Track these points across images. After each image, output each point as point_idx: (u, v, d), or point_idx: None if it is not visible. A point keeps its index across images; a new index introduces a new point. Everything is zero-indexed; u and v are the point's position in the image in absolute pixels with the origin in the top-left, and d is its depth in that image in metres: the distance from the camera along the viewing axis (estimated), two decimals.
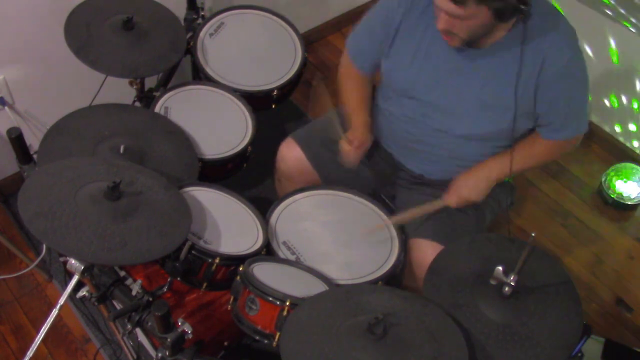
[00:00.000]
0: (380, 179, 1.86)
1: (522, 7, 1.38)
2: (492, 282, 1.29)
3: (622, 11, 2.35)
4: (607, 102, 2.60)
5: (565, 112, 1.56)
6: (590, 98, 1.63)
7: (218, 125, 1.85)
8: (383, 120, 1.77)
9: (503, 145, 1.65)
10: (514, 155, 1.62)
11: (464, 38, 1.44)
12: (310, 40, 2.91)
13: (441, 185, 1.72)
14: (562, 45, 1.47)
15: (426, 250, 1.61)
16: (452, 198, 1.65)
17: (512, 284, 1.26)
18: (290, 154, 1.83)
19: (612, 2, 2.35)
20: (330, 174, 1.81)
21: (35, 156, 1.58)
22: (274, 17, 2.08)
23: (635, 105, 2.52)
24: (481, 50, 1.50)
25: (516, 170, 1.64)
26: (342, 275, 1.56)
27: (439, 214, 1.68)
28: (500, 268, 1.27)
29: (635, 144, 2.61)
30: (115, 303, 1.63)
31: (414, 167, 1.78)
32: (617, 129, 2.64)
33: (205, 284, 1.53)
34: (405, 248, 1.66)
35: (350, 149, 1.70)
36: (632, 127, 2.58)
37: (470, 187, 1.64)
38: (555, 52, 1.46)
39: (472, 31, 1.42)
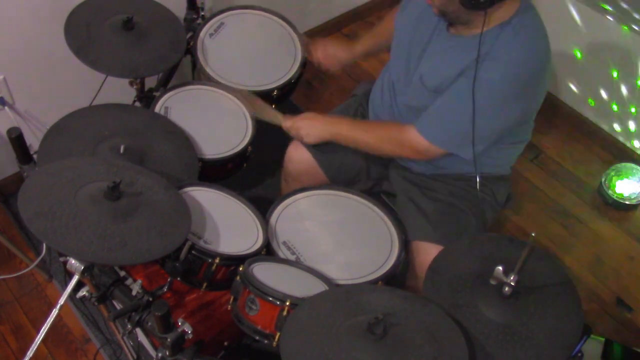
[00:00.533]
0: (378, 173, 1.87)
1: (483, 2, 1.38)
2: (492, 282, 1.29)
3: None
4: (607, 102, 2.61)
5: (439, 103, 1.54)
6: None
7: (218, 125, 1.85)
8: (374, 105, 1.82)
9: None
10: (360, 125, 1.73)
11: (438, 7, 1.47)
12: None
13: (435, 179, 1.73)
14: (501, 64, 1.44)
15: (431, 253, 1.61)
16: (289, 122, 1.76)
17: (512, 284, 1.26)
18: (298, 156, 1.84)
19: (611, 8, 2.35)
20: (337, 176, 1.83)
21: (35, 156, 1.57)
22: (274, 17, 2.08)
23: (633, 110, 2.52)
24: (453, 36, 1.54)
25: (355, 140, 1.70)
26: (342, 275, 1.56)
27: (441, 215, 1.68)
28: (500, 268, 1.27)
29: (636, 144, 2.62)
30: (115, 303, 1.63)
31: (398, 158, 1.81)
32: (617, 129, 2.64)
33: (205, 284, 1.53)
34: (405, 248, 1.65)
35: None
36: (632, 127, 2.58)
37: (309, 125, 1.73)
38: (489, 64, 1.44)
39: (442, 5, 1.46)
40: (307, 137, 1.74)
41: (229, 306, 1.48)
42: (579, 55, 2.57)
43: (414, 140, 1.60)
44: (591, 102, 2.66)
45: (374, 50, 1.95)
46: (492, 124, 1.53)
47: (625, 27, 2.36)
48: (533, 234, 1.22)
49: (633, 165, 2.52)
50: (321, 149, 1.82)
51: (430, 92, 1.58)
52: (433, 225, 1.67)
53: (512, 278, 1.26)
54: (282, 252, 1.60)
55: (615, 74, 2.50)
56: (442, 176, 1.76)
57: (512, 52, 1.44)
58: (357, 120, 1.74)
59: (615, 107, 2.59)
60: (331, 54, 1.92)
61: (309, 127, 1.73)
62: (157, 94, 1.87)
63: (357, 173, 1.84)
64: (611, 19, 2.38)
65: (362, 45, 1.93)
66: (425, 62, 1.59)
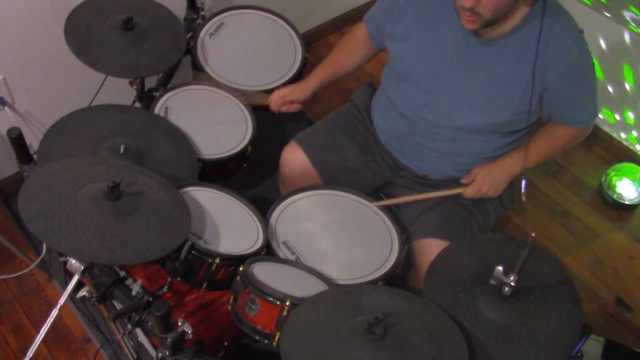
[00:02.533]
0: (381, 181, 1.86)
1: None
2: (492, 282, 1.29)
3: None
4: (607, 102, 2.60)
5: (578, 104, 1.59)
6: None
7: (218, 125, 1.85)
8: (384, 113, 1.79)
9: (505, 141, 1.67)
10: (531, 149, 1.66)
11: (487, 18, 1.43)
12: (310, 40, 2.91)
13: (444, 186, 1.72)
14: (569, 42, 1.49)
15: (436, 251, 1.61)
16: (470, 191, 1.68)
17: (512, 284, 1.26)
18: (294, 158, 1.83)
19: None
20: (333, 178, 1.82)
21: (35, 156, 1.57)
22: (274, 17, 2.08)
23: (632, 111, 2.52)
24: (488, 40, 1.52)
25: (534, 164, 1.69)
26: (342, 275, 1.56)
27: (445, 214, 1.69)
28: (500, 268, 1.27)
29: (635, 144, 2.62)
30: (115, 303, 1.63)
31: (416, 167, 1.78)
32: (617, 129, 2.64)
33: (205, 284, 1.53)
34: (404, 247, 1.65)
35: (278, 97, 1.85)
36: (632, 127, 2.58)
37: (490, 183, 1.67)
38: (563, 51, 1.48)
39: (497, 10, 1.42)
40: (496, 193, 1.71)
41: (229, 306, 1.48)
42: None
43: (591, 127, 1.69)
44: None
45: (330, 80, 1.90)
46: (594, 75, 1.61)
47: (635, 29, 2.36)
48: (533, 234, 1.22)
49: (633, 165, 2.52)
50: (318, 151, 1.82)
51: (506, 101, 1.55)
52: (438, 222, 1.67)
53: (512, 278, 1.26)
54: (282, 252, 1.60)
55: (616, 74, 2.50)
56: (454, 178, 1.76)
57: (559, 33, 1.48)
58: (521, 149, 1.68)
59: (615, 107, 2.59)
60: (289, 100, 1.88)
61: (494, 188, 1.70)
62: (157, 94, 1.87)
63: (354, 178, 1.83)
64: (608, 15, 2.38)
65: (315, 82, 1.87)
66: (482, 77, 1.55)
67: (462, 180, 1.72)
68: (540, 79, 1.51)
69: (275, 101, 1.87)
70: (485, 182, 1.67)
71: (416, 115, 1.68)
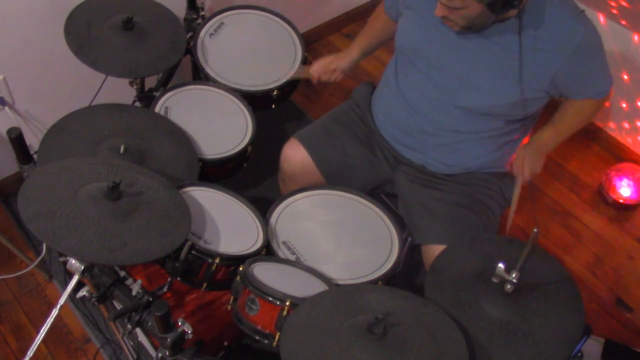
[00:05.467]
0: (382, 177, 1.86)
1: (515, 1, 1.42)
2: (494, 279, 1.29)
3: None
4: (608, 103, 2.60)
5: (595, 77, 1.63)
6: None
7: (218, 125, 1.85)
8: (387, 104, 1.80)
9: (506, 131, 1.69)
10: (562, 125, 1.72)
11: (463, 25, 1.49)
12: (310, 40, 2.91)
13: (443, 180, 1.72)
14: (570, 23, 1.50)
15: None
16: (525, 176, 1.70)
17: (515, 281, 1.26)
18: (294, 155, 1.83)
19: None
20: (334, 174, 1.82)
21: (35, 156, 1.58)
22: (274, 17, 2.08)
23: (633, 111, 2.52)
24: (494, 25, 1.53)
25: (564, 137, 1.75)
26: (342, 275, 1.56)
27: (453, 219, 1.68)
28: (502, 265, 1.27)
29: (636, 144, 2.62)
30: (115, 303, 1.63)
31: (416, 158, 1.78)
32: (617, 129, 2.64)
33: (205, 284, 1.53)
34: (404, 247, 1.66)
35: (319, 66, 1.89)
36: (632, 127, 2.58)
37: (535, 161, 1.70)
38: (566, 34, 1.50)
39: (469, 20, 1.48)
40: (540, 169, 1.73)
41: (229, 306, 1.48)
42: None
43: (606, 98, 1.71)
44: None
45: (370, 50, 1.95)
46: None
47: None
48: (535, 230, 1.22)
49: (633, 165, 2.52)
50: (318, 148, 1.82)
51: (513, 79, 1.57)
52: (444, 228, 1.66)
53: (514, 275, 1.26)
54: (282, 252, 1.60)
55: (616, 74, 2.50)
56: (452, 175, 1.76)
57: (560, 15, 1.50)
58: (549, 125, 1.74)
59: (615, 107, 2.59)
60: (332, 69, 1.92)
61: (539, 165, 1.72)
62: (157, 94, 1.87)
63: (354, 174, 1.84)
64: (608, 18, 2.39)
65: (357, 51, 1.93)
66: (487, 56, 1.57)
67: (509, 167, 1.77)
68: (542, 66, 1.53)
69: (316, 70, 1.91)
70: (531, 162, 1.69)
71: (421, 99, 1.69)
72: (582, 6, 1.56)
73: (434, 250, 1.64)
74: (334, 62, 1.92)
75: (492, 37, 1.54)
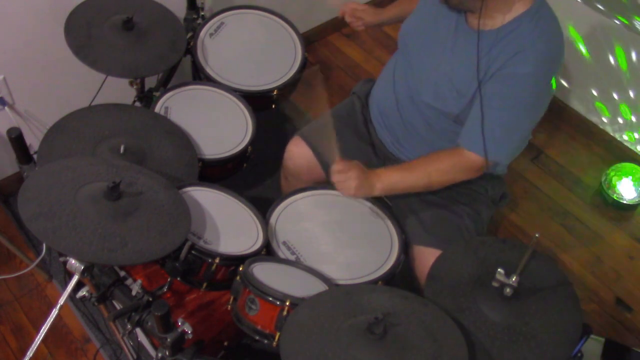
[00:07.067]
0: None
1: None
2: (495, 284, 1.29)
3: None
4: (607, 102, 2.61)
5: (489, 118, 1.47)
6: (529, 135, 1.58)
7: (218, 125, 1.85)
8: (378, 91, 1.82)
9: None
10: (410, 169, 1.57)
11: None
12: (310, 40, 2.91)
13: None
14: (532, 59, 1.42)
15: (428, 257, 1.61)
16: (335, 178, 1.53)
17: (515, 285, 1.27)
18: (299, 152, 1.84)
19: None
20: None
21: (35, 156, 1.58)
22: (274, 17, 2.08)
23: (632, 111, 2.52)
24: (473, 32, 1.50)
25: (410, 185, 1.57)
26: (342, 275, 1.56)
27: (437, 221, 1.68)
28: (501, 270, 1.27)
29: (636, 144, 2.62)
30: (115, 303, 1.63)
31: (398, 152, 1.78)
32: (617, 128, 2.64)
33: (205, 284, 1.53)
34: (405, 248, 1.66)
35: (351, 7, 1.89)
36: (632, 126, 2.58)
37: (353, 184, 1.50)
38: (521, 59, 1.42)
39: None
40: (357, 190, 1.51)
41: (229, 306, 1.48)
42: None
43: (482, 169, 1.54)
44: (597, 104, 2.66)
45: (398, 19, 1.90)
46: (534, 119, 1.52)
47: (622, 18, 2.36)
48: (537, 235, 1.22)
49: (633, 165, 2.52)
50: (321, 146, 1.82)
51: (458, 93, 1.53)
52: (429, 231, 1.67)
53: (513, 279, 1.26)
54: (282, 252, 1.60)
55: (616, 75, 2.50)
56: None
57: (536, 42, 1.43)
58: (403, 166, 1.61)
59: (615, 107, 2.59)
60: (359, 16, 1.92)
61: (361, 180, 1.52)
62: (157, 94, 1.87)
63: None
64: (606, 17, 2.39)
65: (388, 14, 1.93)
66: (454, 61, 1.55)
67: (333, 168, 1.54)
68: (486, 79, 1.47)
69: (345, 10, 1.93)
70: (353, 178, 1.50)
71: (401, 87, 1.70)
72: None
73: (419, 251, 1.66)
74: (364, 11, 1.91)
75: (465, 46, 1.52)
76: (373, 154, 1.84)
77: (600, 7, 2.40)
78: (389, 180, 1.55)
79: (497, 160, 1.54)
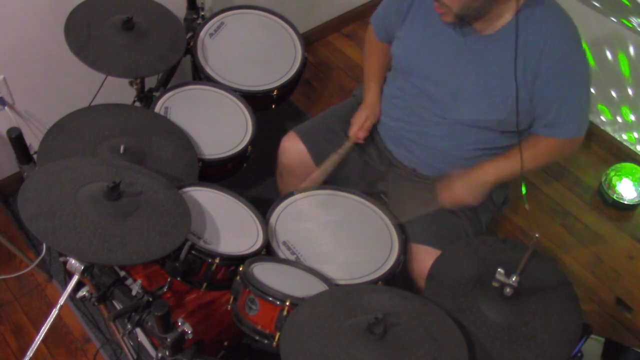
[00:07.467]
0: (374, 175, 1.86)
1: None
2: (495, 284, 1.29)
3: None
4: (607, 102, 2.60)
5: (559, 107, 1.53)
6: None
7: (218, 125, 1.85)
8: (384, 105, 1.79)
9: (500, 144, 1.65)
10: (511, 157, 1.60)
11: (457, 12, 1.44)
12: (310, 40, 2.91)
13: (432, 184, 1.72)
14: (561, 37, 1.47)
15: (425, 256, 1.61)
16: (446, 201, 1.64)
17: (515, 285, 1.26)
18: (292, 147, 1.84)
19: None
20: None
21: (35, 156, 1.58)
22: (274, 17, 2.08)
23: (632, 111, 2.52)
24: (486, 36, 1.51)
25: (513, 172, 1.62)
26: (342, 275, 1.56)
27: (434, 219, 1.68)
28: (502, 270, 1.27)
29: (636, 144, 2.61)
30: (115, 303, 1.63)
31: (407, 160, 1.78)
32: (617, 129, 2.64)
33: (205, 284, 1.53)
34: (405, 248, 1.65)
35: (357, 129, 1.78)
36: (632, 126, 2.58)
37: (465, 190, 1.63)
38: (553, 42, 1.46)
39: (465, 4, 1.42)
40: (475, 201, 1.64)
41: (229, 306, 1.48)
42: None
43: (575, 144, 1.61)
44: (597, 104, 2.65)
45: (383, 80, 1.86)
46: (590, 83, 1.57)
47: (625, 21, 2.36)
48: (537, 235, 1.22)
49: (633, 165, 2.52)
50: (315, 142, 1.82)
51: (501, 97, 1.53)
52: (426, 229, 1.67)
53: (514, 279, 1.26)
54: (282, 252, 1.60)
55: (617, 75, 2.50)
56: (442, 173, 1.76)
57: (556, 22, 1.47)
58: (501, 157, 1.64)
59: (615, 108, 2.59)
60: (368, 126, 1.80)
61: (471, 196, 1.63)
62: (157, 94, 1.87)
63: (350, 170, 1.84)
64: (608, 16, 2.39)
65: (375, 92, 1.82)
66: (480, 70, 1.54)
67: (439, 192, 1.66)
68: (531, 76, 1.49)
69: (357, 135, 1.79)
70: (459, 189, 1.62)
71: (416, 107, 1.67)
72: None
73: (416, 250, 1.66)
74: (368, 119, 1.80)
75: (492, 43, 1.52)
76: (368, 154, 1.84)
77: (599, 6, 2.40)
78: (496, 169, 1.62)
79: (582, 134, 1.59)
